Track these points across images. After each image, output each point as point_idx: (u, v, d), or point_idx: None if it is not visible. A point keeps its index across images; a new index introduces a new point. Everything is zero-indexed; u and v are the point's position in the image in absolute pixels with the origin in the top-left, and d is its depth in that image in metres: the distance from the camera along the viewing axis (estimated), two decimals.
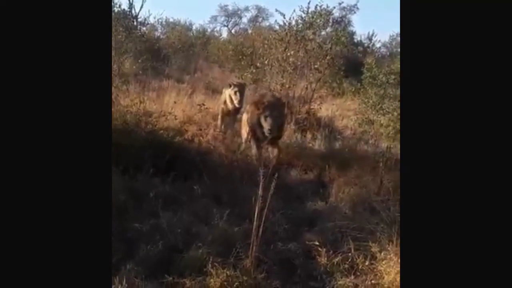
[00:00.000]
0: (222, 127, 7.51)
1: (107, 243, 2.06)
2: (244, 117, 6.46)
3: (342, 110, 9.87)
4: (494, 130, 1.89)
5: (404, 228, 2.04)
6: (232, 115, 7.58)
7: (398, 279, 3.36)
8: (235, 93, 7.15)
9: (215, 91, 9.99)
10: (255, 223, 3.34)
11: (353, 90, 9.57)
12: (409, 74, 2.07)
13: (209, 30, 24.18)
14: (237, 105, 7.20)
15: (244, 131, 6.32)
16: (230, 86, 7.29)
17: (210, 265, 3.25)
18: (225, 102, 7.41)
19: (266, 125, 5.62)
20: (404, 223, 2.05)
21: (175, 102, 7.73)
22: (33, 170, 1.91)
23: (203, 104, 7.09)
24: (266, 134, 5.63)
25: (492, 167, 1.86)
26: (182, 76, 12.84)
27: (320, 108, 8.89)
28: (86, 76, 2.05)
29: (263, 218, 3.33)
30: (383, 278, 3.44)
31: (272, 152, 6.08)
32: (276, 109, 5.74)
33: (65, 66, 2.03)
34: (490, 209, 1.84)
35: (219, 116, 7.63)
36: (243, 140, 6.32)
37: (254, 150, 5.94)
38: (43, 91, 1.97)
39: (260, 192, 3.34)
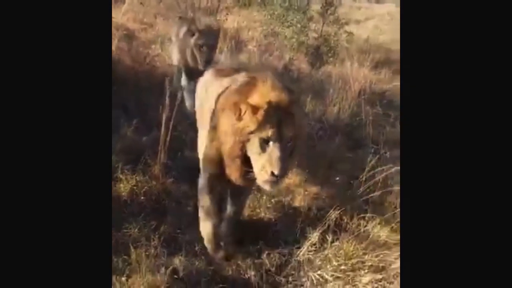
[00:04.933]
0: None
1: (106, 238, 1.97)
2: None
3: (248, 22, 9.82)
4: (494, 128, 1.87)
5: (404, 228, 2.03)
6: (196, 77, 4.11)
7: None
8: (200, 48, 4.56)
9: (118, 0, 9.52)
10: (162, 131, 3.44)
11: (259, 1, 9.53)
12: (409, 69, 2.01)
13: None
14: (201, 68, 4.44)
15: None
16: (194, 34, 4.59)
17: (119, 172, 3.37)
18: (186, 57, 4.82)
19: (265, 165, 2.40)
20: (404, 222, 2.04)
21: None
22: (28, 164, 1.79)
23: None
24: (262, 185, 2.49)
25: (492, 166, 1.86)
26: None
27: (226, 19, 8.80)
28: (85, 63, 1.91)
29: (170, 127, 3.44)
30: None
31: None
32: (288, 122, 2.45)
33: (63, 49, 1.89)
34: (490, 209, 1.85)
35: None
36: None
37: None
38: (41, 73, 1.83)
39: (167, 101, 3.39)
